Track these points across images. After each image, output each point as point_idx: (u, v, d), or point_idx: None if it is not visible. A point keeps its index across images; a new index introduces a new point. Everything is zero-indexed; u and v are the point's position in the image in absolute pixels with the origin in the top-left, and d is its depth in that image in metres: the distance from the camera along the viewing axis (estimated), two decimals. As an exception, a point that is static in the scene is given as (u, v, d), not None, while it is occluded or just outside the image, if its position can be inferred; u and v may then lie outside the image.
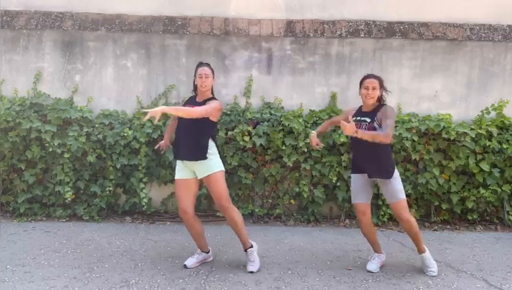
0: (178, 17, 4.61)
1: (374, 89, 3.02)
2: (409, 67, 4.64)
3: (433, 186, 4.37)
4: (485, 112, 4.57)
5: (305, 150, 4.33)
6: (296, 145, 4.36)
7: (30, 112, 4.31)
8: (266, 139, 4.34)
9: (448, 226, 4.51)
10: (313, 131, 3.39)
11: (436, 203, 4.48)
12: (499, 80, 4.66)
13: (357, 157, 3.14)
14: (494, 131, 4.33)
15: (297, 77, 4.64)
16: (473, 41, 4.62)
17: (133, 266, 3.17)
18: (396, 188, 3.03)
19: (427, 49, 4.62)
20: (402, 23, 4.63)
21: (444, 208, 4.47)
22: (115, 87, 4.60)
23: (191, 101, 3.18)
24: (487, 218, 4.62)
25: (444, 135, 4.30)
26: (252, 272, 3.07)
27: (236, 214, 3.07)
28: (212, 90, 3.22)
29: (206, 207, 4.56)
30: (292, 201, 4.53)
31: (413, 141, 4.35)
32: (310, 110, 4.57)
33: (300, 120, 4.36)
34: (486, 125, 4.39)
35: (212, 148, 3.07)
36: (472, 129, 4.35)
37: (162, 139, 4.37)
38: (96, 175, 4.49)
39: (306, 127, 4.37)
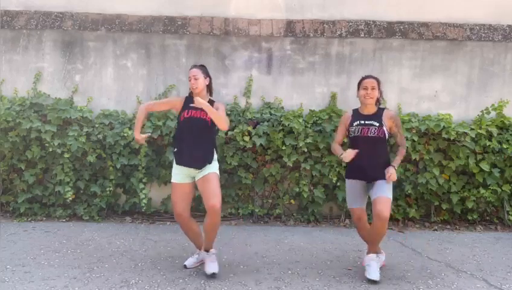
0: (178, 17, 4.61)
1: (373, 89, 2.99)
2: (409, 67, 4.64)
3: (433, 186, 4.37)
4: (485, 112, 4.57)
5: (305, 150, 4.33)
6: (296, 145, 4.36)
7: (30, 112, 4.31)
8: (266, 139, 4.34)
9: (448, 226, 4.51)
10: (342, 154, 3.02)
11: (436, 203, 4.48)
12: (499, 80, 4.66)
13: (358, 162, 2.98)
14: (494, 131, 4.33)
15: (297, 77, 4.64)
16: (473, 41, 4.62)
17: (133, 266, 3.17)
18: (389, 185, 2.97)
19: (427, 49, 4.63)
20: (402, 23, 4.63)
21: (444, 208, 4.47)
22: (115, 87, 4.60)
23: (189, 106, 3.03)
24: (487, 218, 4.62)
25: (444, 135, 4.30)
26: (214, 273, 2.94)
27: (220, 219, 2.97)
28: (210, 90, 3.15)
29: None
30: (292, 201, 4.53)
31: (413, 141, 4.35)
32: (310, 110, 4.57)
33: (300, 120, 4.36)
34: (486, 125, 4.39)
35: (215, 154, 3.09)
36: (472, 129, 4.35)
37: (162, 139, 4.39)
38: (96, 175, 4.49)
39: (306, 127, 4.38)
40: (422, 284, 2.96)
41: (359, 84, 3.08)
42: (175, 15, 4.62)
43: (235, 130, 4.32)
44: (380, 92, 3.07)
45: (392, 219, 4.52)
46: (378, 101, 3.09)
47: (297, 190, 4.44)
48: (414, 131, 4.35)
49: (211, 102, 3.07)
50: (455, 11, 4.66)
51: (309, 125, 4.39)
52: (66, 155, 4.27)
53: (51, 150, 4.26)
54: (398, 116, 3.04)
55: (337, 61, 4.63)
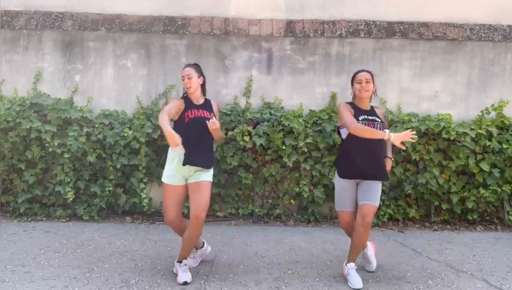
0: (178, 17, 4.61)
1: (367, 82, 2.93)
2: (409, 67, 4.64)
3: (433, 186, 4.37)
4: (485, 112, 4.57)
5: (305, 150, 4.33)
6: (296, 145, 4.36)
7: (30, 112, 4.31)
8: (266, 139, 4.34)
9: (448, 226, 4.51)
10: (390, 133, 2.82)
11: (436, 203, 4.48)
12: (499, 80, 4.66)
13: (359, 160, 2.89)
14: (494, 131, 4.33)
15: (297, 77, 4.64)
16: (473, 41, 4.62)
17: (133, 266, 3.17)
18: (379, 192, 2.92)
19: (427, 49, 4.63)
20: (402, 23, 4.63)
21: (444, 208, 4.47)
22: (115, 87, 4.60)
23: (191, 106, 2.96)
24: (487, 218, 4.62)
25: (444, 135, 4.30)
26: (186, 282, 2.84)
27: (201, 231, 2.92)
28: (204, 89, 3.09)
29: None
30: (292, 201, 4.53)
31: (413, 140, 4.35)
32: (310, 110, 4.57)
33: (300, 120, 4.36)
34: (486, 125, 4.39)
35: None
36: (472, 129, 4.35)
37: (162, 140, 4.39)
38: (96, 175, 4.49)
39: (306, 127, 4.38)
40: (422, 284, 2.96)
41: (353, 79, 3.02)
42: (175, 15, 4.62)
43: (235, 130, 4.32)
44: (374, 87, 3.00)
45: (392, 218, 4.53)
46: (371, 97, 3.03)
47: (297, 190, 4.44)
48: (414, 131, 4.33)
49: (207, 101, 3.06)
50: (455, 11, 4.66)
51: (309, 125, 4.39)
52: (66, 155, 4.27)
53: (51, 150, 4.26)
54: (384, 108, 3.02)
55: (337, 61, 4.63)
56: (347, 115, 2.87)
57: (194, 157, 2.86)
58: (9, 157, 4.38)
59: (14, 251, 3.39)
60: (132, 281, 2.89)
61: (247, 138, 4.31)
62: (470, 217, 4.51)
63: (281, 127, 4.37)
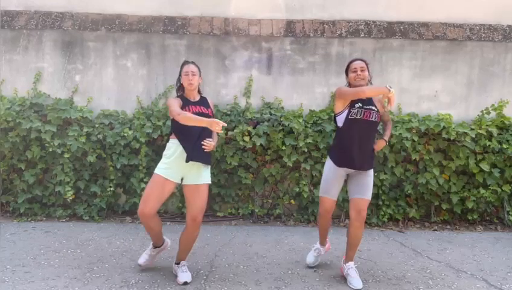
0: (178, 17, 4.61)
1: (362, 70, 2.90)
2: (409, 67, 4.64)
3: (433, 186, 4.37)
4: (485, 112, 4.57)
5: (305, 150, 4.33)
6: (296, 145, 4.36)
7: (30, 112, 4.31)
8: (266, 139, 4.34)
9: (448, 226, 4.51)
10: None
11: (436, 203, 4.48)
12: (499, 80, 4.66)
13: (351, 148, 2.87)
14: (494, 131, 4.33)
15: (297, 77, 4.64)
16: (473, 41, 4.62)
17: (133, 266, 3.16)
18: (371, 185, 2.93)
19: (427, 49, 4.63)
20: (402, 23, 4.63)
21: (444, 208, 4.47)
22: (115, 87, 4.60)
23: (187, 103, 2.91)
24: (487, 218, 4.62)
25: (444, 135, 4.30)
26: (186, 282, 2.84)
27: (199, 232, 2.90)
28: (198, 89, 3.05)
29: (206, 207, 4.55)
30: (292, 201, 4.53)
31: (413, 141, 4.35)
32: (310, 110, 4.57)
33: (300, 120, 4.36)
34: (486, 125, 4.39)
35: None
36: (472, 129, 4.35)
37: (162, 140, 4.39)
38: (96, 175, 4.49)
39: (306, 127, 4.38)
40: (422, 284, 2.96)
41: (347, 68, 2.99)
42: (175, 15, 4.62)
43: (235, 130, 4.32)
44: (370, 75, 2.98)
45: (392, 219, 4.53)
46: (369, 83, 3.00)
47: (297, 190, 4.44)
48: (414, 131, 4.35)
49: (203, 98, 3.01)
50: (455, 11, 4.67)
51: (309, 125, 4.39)
52: (66, 155, 4.27)
53: (51, 150, 4.26)
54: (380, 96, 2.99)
55: (337, 61, 4.63)
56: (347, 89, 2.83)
57: (196, 154, 2.82)
58: (9, 157, 4.38)
59: (14, 251, 3.39)
60: (132, 281, 2.89)
61: (247, 138, 4.31)
62: (470, 217, 4.51)
63: (281, 127, 4.37)
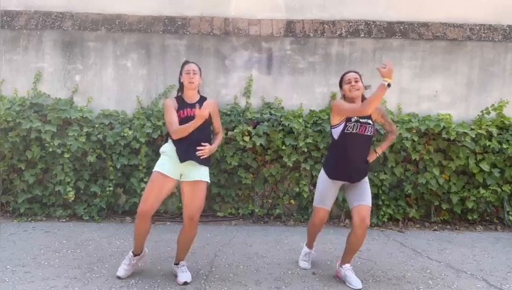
0: (178, 17, 4.61)
1: (356, 81, 2.89)
2: (409, 67, 4.64)
3: (433, 186, 4.37)
4: (485, 112, 4.57)
5: (305, 150, 4.33)
6: (296, 145, 4.36)
7: (30, 112, 4.31)
8: (266, 139, 4.34)
9: (448, 226, 4.52)
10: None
11: (436, 203, 4.48)
12: (499, 80, 4.66)
13: (348, 163, 2.87)
14: (494, 131, 4.33)
15: (297, 77, 4.64)
16: (473, 41, 4.62)
17: (133, 266, 3.16)
18: (369, 190, 2.92)
19: (427, 49, 4.63)
20: (402, 23, 4.63)
21: (444, 208, 4.47)
22: (115, 87, 4.60)
23: (184, 105, 2.89)
24: (487, 218, 4.62)
25: (444, 135, 4.30)
26: (186, 282, 2.83)
27: (196, 231, 2.88)
28: (198, 90, 3.02)
29: (206, 207, 4.56)
30: (292, 201, 4.53)
31: (413, 141, 4.35)
32: (310, 110, 4.57)
33: (300, 120, 4.36)
34: (486, 125, 4.39)
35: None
36: (472, 129, 4.35)
37: (162, 140, 4.39)
38: (96, 175, 4.49)
39: (306, 127, 4.38)
40: (422, 284, 2.96)
41: (341, 81, 2.98)
42: (175, 15, 4.62)
43: (235, 130, 4.32)
44: (364, 86, 2.97)
45: (392, 219, 4.53)
46: (363, 97, 2.99)
47: (297, 190, 4.44)
48: (414, 131, 4.35)
49: (202, 99, 2.97)
50: (455, 11, 4.67)
51: (309, 125, 4.39)
52: (66, 155, 4.27)
53: (51, 150, 4.26)
54: (381, 106, 2.97)
55: (337, 61, 4.63)
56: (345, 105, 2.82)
57: (188, 154, 2.79)
58: (9, 157, 4.38)
59: (14, 251, 3.39)
60: (132, 281, 2.89)
61: (247, 138, 4.31)
62: (470, 217, 4.51)
63: (281, 127, 4.37)
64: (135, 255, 2.97)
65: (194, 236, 2.86)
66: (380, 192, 4.44)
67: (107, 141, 4.32)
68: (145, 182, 4.38)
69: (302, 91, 4.64)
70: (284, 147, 4.33)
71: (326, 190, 2.97)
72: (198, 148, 2.79)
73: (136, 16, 4.59)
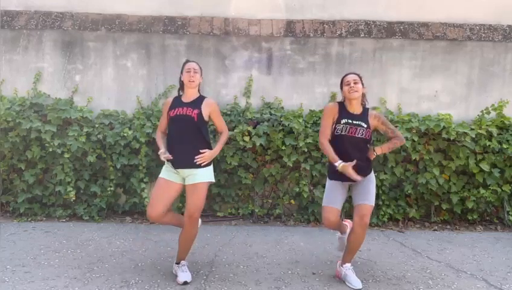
0: (178, 17, 4.61)
1: (355, 83, 2.88)
2: (409, 67, 4.64)
3: (433, 186, 4.37)
4: (485, 112, 4.57)
5: (305, 150, 4.33)
6: (296, 145, 4.36)
7: (30, 112, 4.31)
8: (266, 139, 4.34)
9: (448, 226, 4.51)
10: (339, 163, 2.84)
11: (436, 203, 4.48)
12: (499, 80, 4.66)
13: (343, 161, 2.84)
14: (494, 131, 4.33)
15: (297, 77, 4.64)
16: (473, 41, 4.62)
17: (133, 266, 3.16)
18: (373, 191, 2.91)
19: (427, 49, 4.63)
20: (402, 23, 4.63)
21: (444, 208, 4.47)
22: (115, 87, 4.60)
23: (178, 104, 2.89)
24: (487, 218, 4.62)
25: (444, 135, 4.30)
26: (186, 282, 2.83)
27: (197, 231, 2.90)
28: (199, 89, 3.01)
29: (206, 207, 4.56)
30: (292, 201, 4.53)
31: (413, 141, 4.35)
32: (310, 110, 4.57)
33: (300, 120, 4.36)
34: (486, 125, 4.39)
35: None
36: (472, 129, 4.35)
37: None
38: (96, 175, 4.49)
39: (306, 127, 4.38)
40: (422, 284, 2.96)
41: (341, 83, 2.98)
42: (175, 15, 4.62)
43: (235, 130, 4.32)
44: (364, 89, 2.96)
45: (392, 219, 4.53)
46: (363, 100, 2.99)
47: (297, 190, 4.44)
48: (414, 131, 4.35)
49: (199, 98, 2.95)
50: (455, 11, 4.67)
51: (309, 125, 4.39)
52: (66, 155, 4.27)
53: (51, 150, 4.26)
54: (381, 114, 2.94)
55: (337, 61, 4.63)
56: (323, 124, 2.94)
57: (179, 159, 2.80)
58: (9, 157, 4.38)
59: (14, 251, 3.39)
60: (132, 281, 2.89)
61: (247, 138, 4.31)
62: (470, 217, 4.51)
63: (281, 127, 4.37)
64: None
65: (194, 235, 2.87)
66: (380, 192, 4.44)
67: (107, 141, 4.32)
68: (145, 182, 4.39)
69: (302, 91, 4.64)
70: (284, 147, 4.33)
71: (332, 191, 2.96)
72: (196, 157, 2.81)
73: (136, 15, 4.59)
